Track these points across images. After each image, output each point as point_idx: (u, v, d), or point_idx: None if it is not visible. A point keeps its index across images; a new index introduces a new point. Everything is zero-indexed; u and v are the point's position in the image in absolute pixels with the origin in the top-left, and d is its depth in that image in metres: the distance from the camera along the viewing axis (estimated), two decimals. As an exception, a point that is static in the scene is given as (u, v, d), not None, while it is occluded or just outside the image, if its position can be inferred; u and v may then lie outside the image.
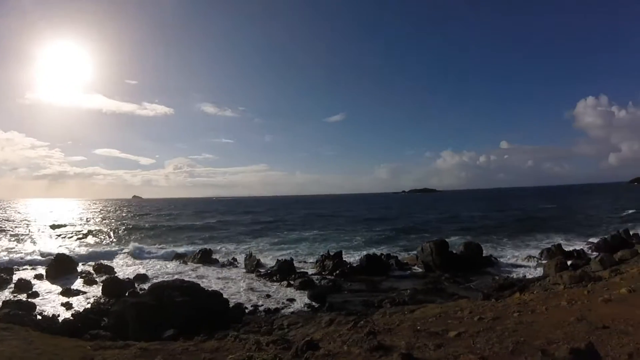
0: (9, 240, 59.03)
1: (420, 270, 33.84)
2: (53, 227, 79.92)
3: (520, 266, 33.72)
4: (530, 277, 28.97)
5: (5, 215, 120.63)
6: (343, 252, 37.82)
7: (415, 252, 37.32)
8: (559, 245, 36.38)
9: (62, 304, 25.34)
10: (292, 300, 25.69)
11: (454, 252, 34.74)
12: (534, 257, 35.74)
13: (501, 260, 35.49)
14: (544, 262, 32.70)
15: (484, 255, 35.04)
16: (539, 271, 30.59)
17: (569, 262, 29.41)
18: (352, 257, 38.07)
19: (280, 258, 36.33)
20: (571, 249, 37.21)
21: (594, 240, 40.86)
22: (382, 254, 37.90)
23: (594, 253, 33.89)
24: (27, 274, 34.13)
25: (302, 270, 34.39)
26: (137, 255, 44.90)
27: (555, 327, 8.50)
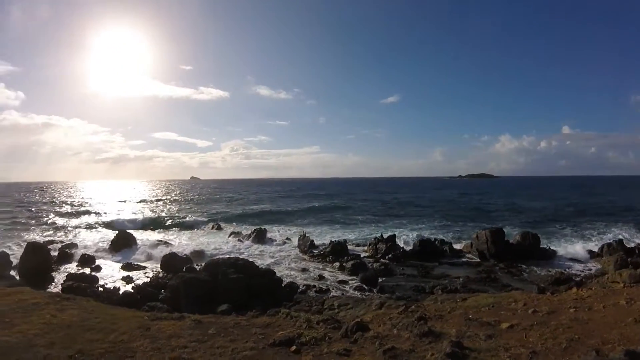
0: (74, 218, 62.36)
1: (474, 258, 33.31)
2: (115, 205, 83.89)
3: (578, 261, 32.50)
4: (588, 272, 28.13)
5: (70, 195, 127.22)
6: (396, 236, 37.69)
7: (470, 239, 36.72)
8: (621, 241, 34.67)
9: (123, 278, 26.95)
10: (343, 282, 25.97)
11: (510, 241, 33.98)
12: (593, 251, 34.44)
13: (559, 252, 34.29)
14: (603, 257, 31.55)
15: (541, 246, 34.00)
16: (598, 267, 29.60)
17: (629, 259, 28.25)
18: (406, 242, 37.91)
19: (333, 239, 36.60)
20: (633, 245, 35.60)
21: (659, 236, 38.87)
22: (436, 240, 37.45)
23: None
24: (90, 249, 36.12)
25: (354, 252, 34.56)
26: (195, 232, 46.38)
27: (612, 326, 8.28)
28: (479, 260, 32.56)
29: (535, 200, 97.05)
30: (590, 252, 34.33)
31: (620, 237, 38.18)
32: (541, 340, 7.67)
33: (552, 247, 35.06)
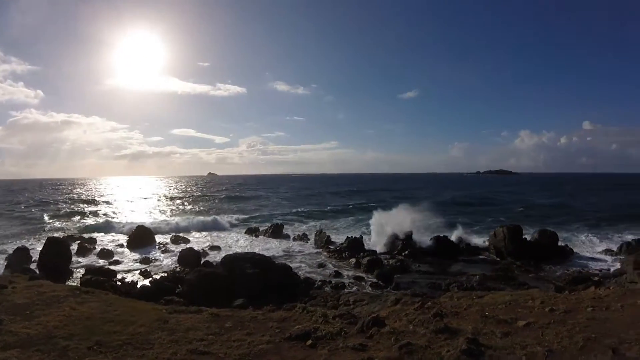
0: (94, 213, 63.25)
1: (491, 255, 33.15)
2: (133, 201, 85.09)
3: (597, 260, 32.06)
4: (606, 272, 27.74)
5: (90, 191, 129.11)
6: (413, 233, 37.59)
7: (487, 236, 36.46)
8: (640, 240, 34.23)
9: (141, 272, 27.50)
10: (359, 278, 26.08)
11: (528, 239, 33.65)
12: (612, 251, 34.01)
13: (577, 251, 33.88)
14: (622, 257, 31.14)
15: (559, 244, 33.63)
16: (616, 266, 29.20)
17: (650, 259, 27.77)
18: (422, 239, 37.71)
19: (350, 236, 36.60)
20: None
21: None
22: (452, 237, 37.30)
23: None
24: (109, 243, 36.73)
25: (371, 248, 34.57)
26: (212, 227, 46.81)
27: (629, 326, 8.18)
28: (496, 257, 32.40)
29: (554, 197, 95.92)
30: (609, 251, 33.97)
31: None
32: (558, 338, 7.63)
33: (570, 246, 34.68)
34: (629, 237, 37.71)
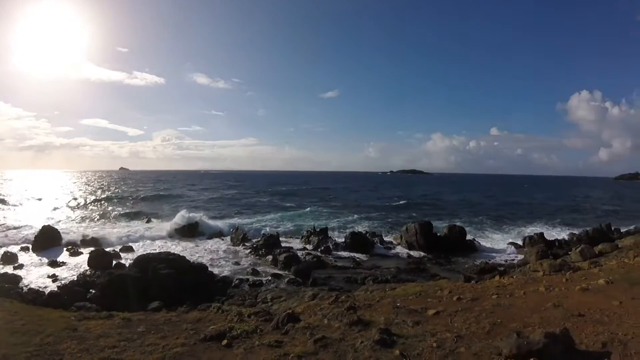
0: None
1: (404, 250, 34.19)
2: (39, 199, 79.52)
3: (502, 251, 34.20)
4: (511, 262, 29.48)
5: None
6: (329, 229, 38.08)
7: (400, 232, 37.58)
8: (542, 234, 36.60)
9: (48, 276, 25.42)
10: (276, 274, 25.87)
11: (438, 234, 35.15)
12: (516, 243, 36.17)
13: (484, 244, 35.86)
14: (525, 249, 33.18)
15: (467, 238, 35.42)
16: (520, 257, 31.04)
17: (549, 251, 29.76)
18: (338, 234, 38.36)
19: (266, 232, 36.45)
20: (553, 238, 37.66)
21: (576, 231, 40.92)
22: (367, 232, 38.27)
23: (575, 244, 34.05)
24: (12, 246, 33.91)
25: (287, 245, 34.60)
26: (125, 227, 44.96)
27: (532, 311, 8.66)
28: (408, 252, 33.45)
29: (462, 195, 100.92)
30: (513, 244, 36.15)
31: (541, 230, 40.17)
32: (465, 325, 7.92)
33: (477, 240, 36.61)
34: (531, 231, 40.37)
